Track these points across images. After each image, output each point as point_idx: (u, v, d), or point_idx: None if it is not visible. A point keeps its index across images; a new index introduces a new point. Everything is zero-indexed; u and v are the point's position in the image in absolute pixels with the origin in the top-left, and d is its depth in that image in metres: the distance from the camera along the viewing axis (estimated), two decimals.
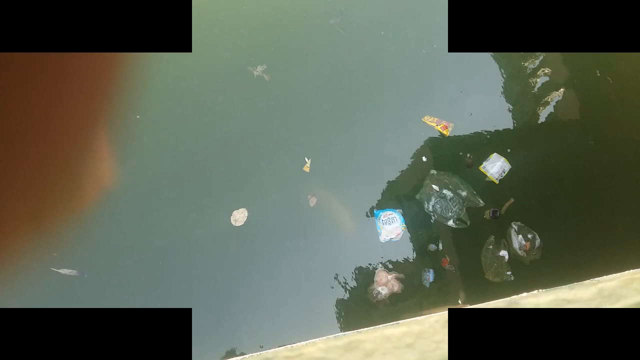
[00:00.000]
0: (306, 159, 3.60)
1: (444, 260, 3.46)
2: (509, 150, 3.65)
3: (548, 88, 3.88)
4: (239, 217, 3.51)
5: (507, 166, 3.59)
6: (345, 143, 3.64)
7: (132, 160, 3.44)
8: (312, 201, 3.54)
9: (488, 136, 3.73)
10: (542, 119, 3.82)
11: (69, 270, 3.23)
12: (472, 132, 3.72)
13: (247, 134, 3.63)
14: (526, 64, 3.95)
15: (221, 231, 3.41)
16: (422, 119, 3.72)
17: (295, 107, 3.71)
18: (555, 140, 3.77)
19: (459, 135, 3.70)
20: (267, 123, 3.66)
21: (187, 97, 3.67)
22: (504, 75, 3.89)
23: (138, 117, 3.50)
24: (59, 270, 3.20)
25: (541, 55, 3.96)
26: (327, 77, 3.79)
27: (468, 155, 3.65)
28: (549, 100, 3.85)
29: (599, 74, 3.81)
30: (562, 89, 3.85)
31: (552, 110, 3.81)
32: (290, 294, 3.33)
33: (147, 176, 3.48)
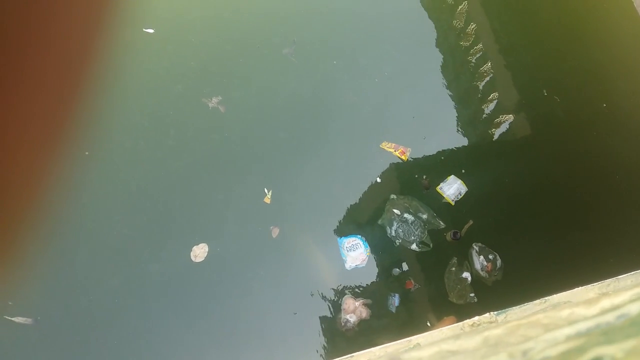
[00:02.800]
0: (266, 190, 3.56)
1: (407, 283, 3.44)
2: (463, 171, 3.71)
3: (498, 110, 4.00)
4: (199, 252, 3.41)
5: (463, 189, 3.64)
6: (305, 172, 3.63)
7: (82, 198, 3.31)
8: (275, 232, 3.49)
9: (443, 158, 3.79)
10: (494, 140, 3.92)
11: (23, 319, 3.06)
12: (429, 155, 3.77)
13: (204, 167, 3.57)
14: (476, 83, 4.06)
15: (181, 268, 3.31)
16: (380, 146, 3.75)
17: (251, 138, 3.68)
18: (508, 159, 3.85)
19: (416, 159, 3.74)
20: (223, 155, 3.62)
21: (138, 132, 3.58)
22: (456, 100, 3.98)
23: (87, 153, 3.39)
24: (12, 319, 3.03)
25: (488, 76, 4.08)
26: (284, 107, 3.79)
27: (424, 177, 3.69)
28: (500, 121, 3.96)
29: (545, 94, 3.95)
30: (511, 113, 3.96)
31: (504, 131, 3.91)
32: (256, 329, 3.24)
33: (99, 213, 3.35)
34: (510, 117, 3.97)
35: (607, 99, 3.84)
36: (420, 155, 3.75)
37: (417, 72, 4.01)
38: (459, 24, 4.30)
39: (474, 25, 4.26)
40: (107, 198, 3.41)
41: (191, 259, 3.36)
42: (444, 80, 4.03)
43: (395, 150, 3.74)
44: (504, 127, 3.93)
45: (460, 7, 4.35)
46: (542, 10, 4.36)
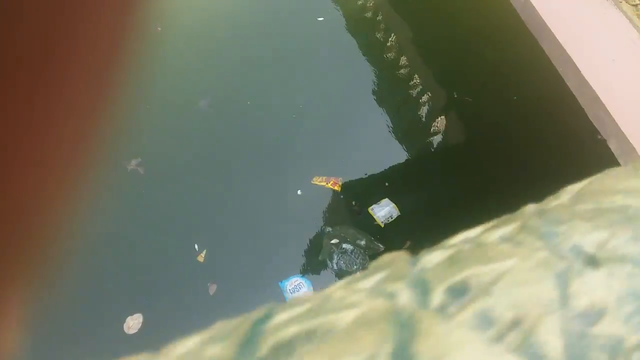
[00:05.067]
0: (197, 247, 3.45)
1: None
2: (386, 184, 3.64)
3: (426, 118, 3.95)
4: (133, 323, 3.27)
5: (395, 212, 3.54)
6: (236, 222, 3.55)
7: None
8: (212, 289, 3.37)
9: (366, 175, 3.70)
10: (415, 151, 3.84)
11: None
12: (355, 179, 3.69)
13: (130, 232, 3.49)
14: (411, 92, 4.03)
15: (112, 341, 3.17)
16: (312, 182, 3.68)
17: (173, 195, 3.62)
18: (430, 166, 3.78)
19: (349, 187, 3.66)
20: (146, 218, 3.55)
21: None
22: (385, 114, 3.93)
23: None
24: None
25: (419, 86, 4.04)
26: (204, 158, 3.74)
27: (354, 202, 3.61)
28: (430, 129, 3.91)
29: (456, 96, 3.90)
30: (435, 119, 3.91)
31: (428, 141, 3.86)
32: None
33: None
34: (438, 125, 3.90)
35: (516, 91, 3.77)
36: (348, 181, 3.67)
37: (334, 98, 3.97)
38: (380, 36, 4.29)
39: (394, 37, 4.25)
40: None
41: (124, 331, 3.22)
42: (363, 100, 3.98)
43: (327, 183, 3.68)
44: (424, 139, 3.87)
45: (377, 17, 4.35)
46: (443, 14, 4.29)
